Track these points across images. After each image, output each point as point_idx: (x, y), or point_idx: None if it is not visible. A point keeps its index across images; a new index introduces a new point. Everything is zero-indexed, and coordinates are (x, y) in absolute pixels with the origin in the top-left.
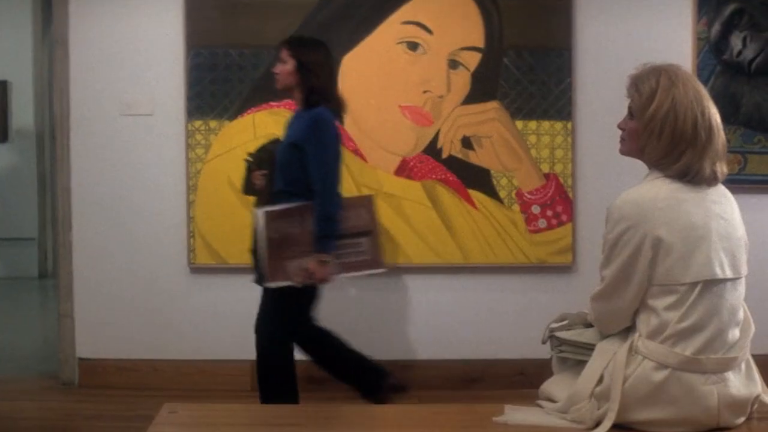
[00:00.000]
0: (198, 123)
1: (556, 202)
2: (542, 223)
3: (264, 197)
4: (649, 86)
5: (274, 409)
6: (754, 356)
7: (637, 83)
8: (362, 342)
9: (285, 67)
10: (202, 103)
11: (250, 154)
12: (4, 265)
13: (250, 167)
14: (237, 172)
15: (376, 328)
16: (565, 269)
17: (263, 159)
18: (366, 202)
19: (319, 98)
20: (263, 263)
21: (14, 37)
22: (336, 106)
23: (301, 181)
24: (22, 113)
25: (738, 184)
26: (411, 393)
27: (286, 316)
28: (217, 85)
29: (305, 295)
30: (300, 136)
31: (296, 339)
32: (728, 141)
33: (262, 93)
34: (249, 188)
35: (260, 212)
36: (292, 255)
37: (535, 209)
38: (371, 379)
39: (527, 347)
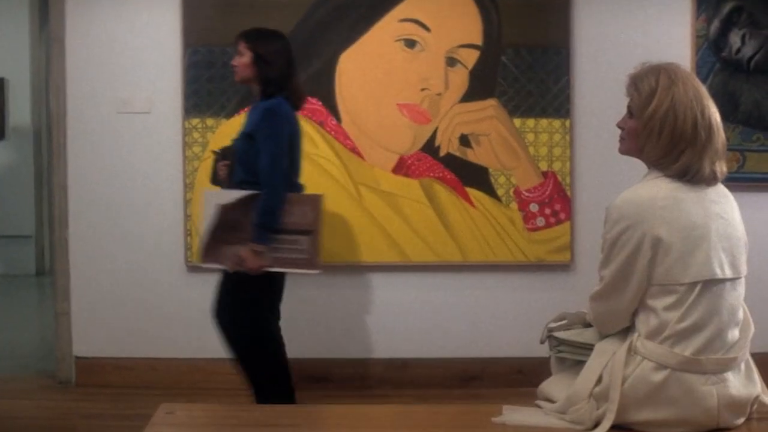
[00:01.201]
0: (195, 121)
1: (554, 200)
2: (540, 221)
3: (227, 187)
4: (649, 85)
5: (271, 410)
6: (753, 354)
7: (636, 82)
8: (360, 340)
9: (242, 60)
10: (199, 101)
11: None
12: (1, 262)
13: (216, 158)
14: None
15: (374, 327)
16: (563, 267)
17: (227, 150)
18: (313, 202)
19: (276, 89)
20: (201, 241)
21: (11, 35)
22: (293, 97)
23: (258, 170)
24: (20, 111)
25: (737, 182)
26: (408, 392)
27: (249, 306)
28: (214, 83)
29: (267, 286)
30: (253, 127)
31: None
32: (727, 139)
33: None
34: (215, 179)
35: (207, 194)
36: (231, 240)
37: (534, 207)
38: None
39: (525, 346)
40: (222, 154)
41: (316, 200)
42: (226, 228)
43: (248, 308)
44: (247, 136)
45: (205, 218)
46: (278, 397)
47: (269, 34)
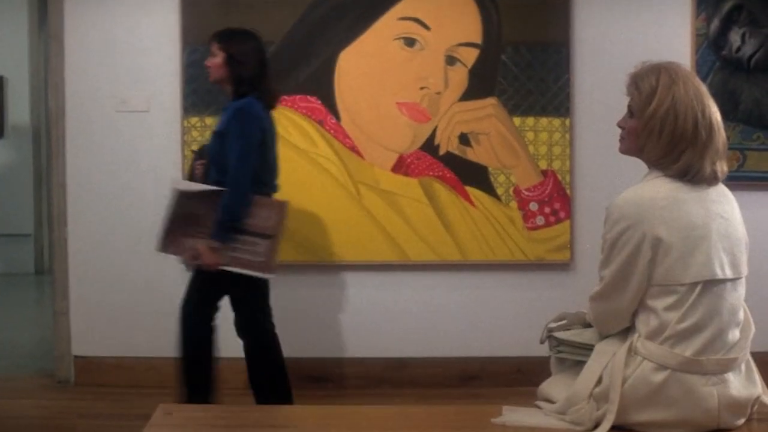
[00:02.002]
0: (194, 120)
1: (554, 199)
2: (540, 220)
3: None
4: (649, 84)
5: (270, 411)
6: (753, 354)
7: (637, 81)
8: (359, 339)
9: (215, 60)
10: (198, 100)
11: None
12: (1, 261)
13: (194, 158)
14: None
15: (373, 326)
16: (563, 266)
17: (204, 149)
18: (278, 207)
19: (249, 89)
20: (161, 229)
21: (11, 33)
22: (267, 97)
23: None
24: (19, 109)
25: (737, 181)
26: (408, 391)
27: (207, 300)
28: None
29: (251, 287)
30: (224, 126)
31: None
32: (727, 138)
33: None
34: (192, 178)
35: (176, 183)
36: (192, 233)
37: (533, 206)
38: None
39: (525, 345)
40: (199, 154)
41: (281, 206)
42: (189, 220)
43: (203, 306)
44: (218, 136)
45: (167, 207)
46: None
47: (241, 35)
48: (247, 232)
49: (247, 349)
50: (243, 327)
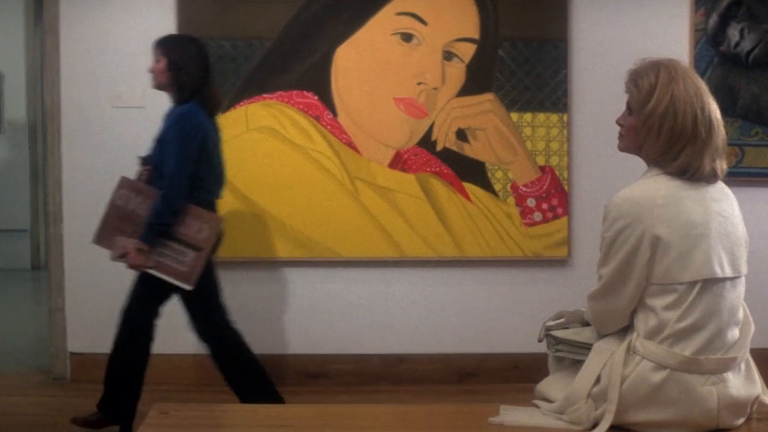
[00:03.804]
0: None
1: (551, 195)
2: (537, 216)
3: None
4: (648, 82)
5: (266, 411)
6: (752, 351)
7: (635, 78)
8: (356, 336)
9: (158, 66)
10: None
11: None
12: None
13: (140, 163)
14: (229, 165)
15: (371, 322)
16: (560, 263)
17: (150, 155)
18: (213, 222)
19: (190, 95)
20: (100, 221)
21: (7, 29)
22: (209, 103)
23: None
24: (15, 105)
25: (735, 177)
26: (405, 387)
27: (147, 301)
28: None
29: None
30: (164, 132)
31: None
32: (725, 134)
33: (255, 85)
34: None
35: (123, 179)
36: (126, 230)
37: (531, 202)
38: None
39: (522, 341)
40: (145, 160)
41: (216, 222)
42: (127, 217)
43: (144, 309)
44: (159, 142)
45: (112, 200)
46: (117, 404)
47: (184, 41)
48: (177, 239)
49: (213, 351)
50: (200, 331)
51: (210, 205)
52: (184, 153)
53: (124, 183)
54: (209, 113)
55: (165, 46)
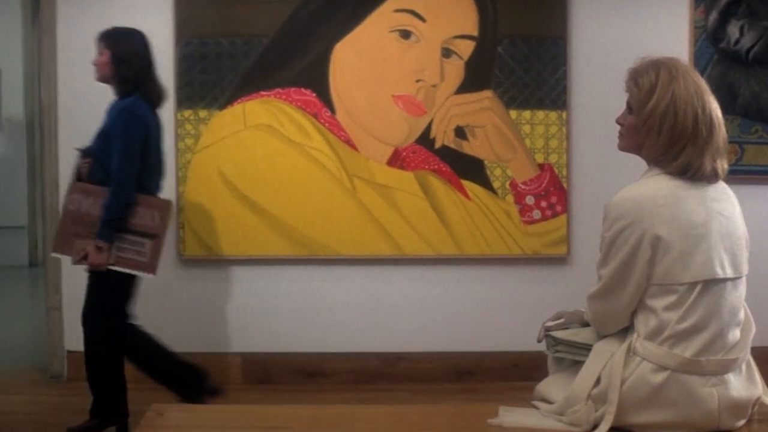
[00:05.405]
0: (187, 113)
1: (550, 192)
2: (537, 214)
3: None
4: (649, 81)
5: (263, 411)
6: (753, 349)
7: (636, 77)
8: (354, 334)
9: (101, 59)
10: (192, 92)
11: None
12: None
13: (79, 156)
14: (227, 163)
15: (369, 321)
16: (559, 261)
17: (90, 148)
18: (162, 206)
19: (133, 88)
20: (57, 230)
21: (4, 25)
22: (151, 96)
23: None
24: (13, 101)
25: (735, 174)
26: (403, 386)
27: (110, 303)
28: (207, 74)
29: (125, 284)
30: (108, 126)
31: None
32: (725, 132)
33: (253, 82)
34: (78, 177)
35: (71, 185)
36: (83, 233)
37: (530, 200)
38: (190, 381)
39: (521, 340)
40: (84, 153)
41: (165, 206)
42: (81, 220)
43: (110, 307)
44: (103, 135)
45: (64, 207)
46: (108, 407)
47: (126, 33)
48: (132, 231)
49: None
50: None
51: None
52: (130, 147)
53: (74, 187)
54: (152, 106)
55: (108, 38)
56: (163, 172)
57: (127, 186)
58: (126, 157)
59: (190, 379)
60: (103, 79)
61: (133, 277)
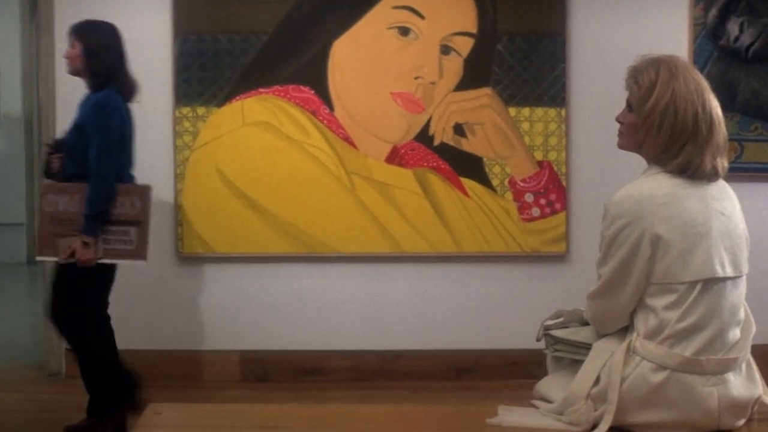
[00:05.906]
0: (186, 110)
1: (549, 190)
2: (536, 211)
3: (60, 180)
4: (649, 78)
5: (261, 410)
6: (753, 346)
7: (636, 75)
8: (353, 332)
9: (72, 51)
10: (190, 90)
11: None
12: None
13: (49, 151)
14: (225, 160)
15: (367, 318)
16: (558, 258)
17: (60, 143)
18: (142, 192)
19: (105, 81)
20: (37, 234)
21: (3, 23)
22: (124, 89)
23: (88, 163)
24: (11, 99)
25: (734, 172)
26: (402, 384)
27: (86, 298)
28: (205, 71)
29: (101, 276)
30: (82, 120)
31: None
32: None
33: (251, 79)
34: (48, 172)
35: (44, 185)
36: (65, 232)
37: (529, 197)
38: (124, 391)
39: (520, 337)
40: (55, 147)
41: (144, 191)
42: (59, 220)
43: (87, 302)
44: (76, 129)
45: (41, 209)
46: (112, 391)
47: (98, 26)
48: (115, 221)
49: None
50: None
51: None
52: (109, 140)
53: (47, 188)
54: (125, 99)
55: (80, 31)
56: (133, 163)
57: (107, 179)
58: (105, 151)
59: (122, 387)
60: (74, 72)
61: (106, 266)
